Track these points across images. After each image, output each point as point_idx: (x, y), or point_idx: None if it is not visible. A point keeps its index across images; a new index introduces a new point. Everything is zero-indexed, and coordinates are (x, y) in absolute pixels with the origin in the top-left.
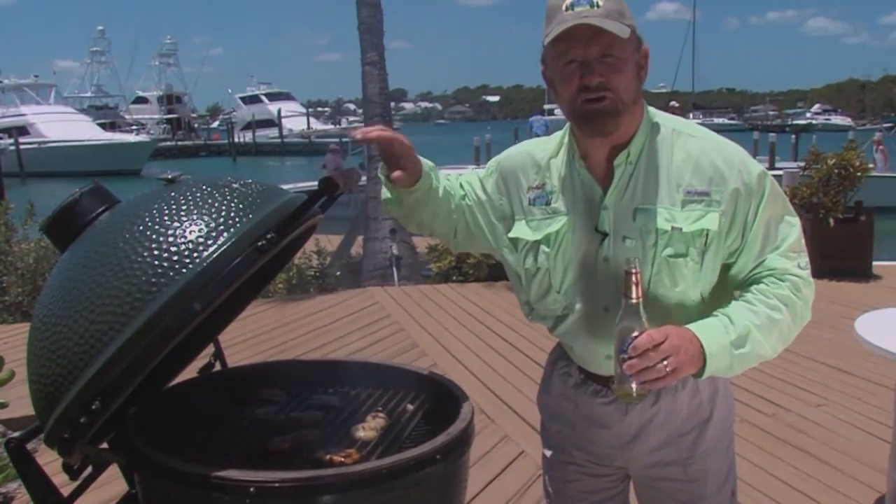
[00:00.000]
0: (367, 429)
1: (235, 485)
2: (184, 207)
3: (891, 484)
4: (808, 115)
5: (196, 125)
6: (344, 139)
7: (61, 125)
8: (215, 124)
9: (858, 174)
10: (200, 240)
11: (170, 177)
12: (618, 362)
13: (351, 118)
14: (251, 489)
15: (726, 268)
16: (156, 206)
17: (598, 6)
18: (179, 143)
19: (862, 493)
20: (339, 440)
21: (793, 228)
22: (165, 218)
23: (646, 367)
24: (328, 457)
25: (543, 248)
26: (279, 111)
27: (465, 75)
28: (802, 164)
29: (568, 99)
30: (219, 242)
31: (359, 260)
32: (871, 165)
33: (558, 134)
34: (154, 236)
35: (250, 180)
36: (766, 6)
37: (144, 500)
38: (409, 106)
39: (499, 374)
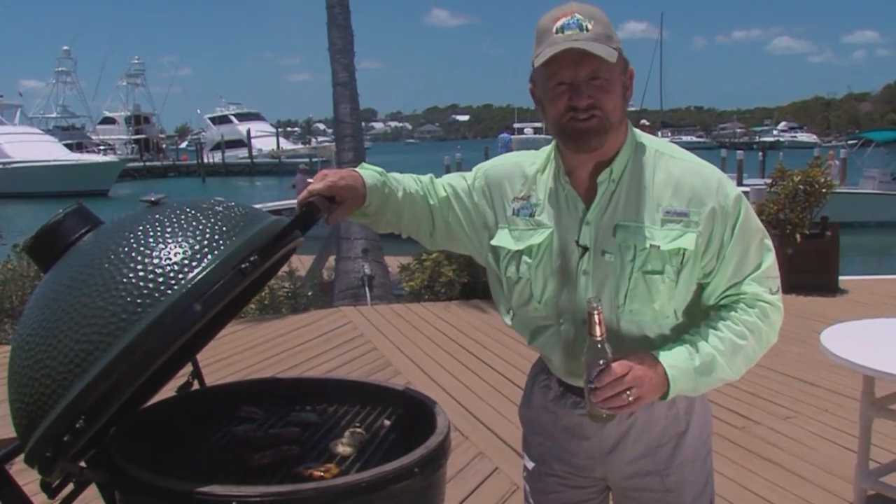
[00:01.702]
0: (346, 444)
1: (218, 500)
2: (168, 229)
3: (858, 493)
4: (775, 132)
5: (164, 146)
6: (314, 159)
7: (27, 146)
8: (184, 145)
9: (823, 190)
10: (185, 261)
11: (153, 199)
12: (586, 389)
13: (321, 138)
14: (233, 503)
15: (701, 287)
16: (140, 227)
17: (587, 30)
18: (147, 163)
19: (831, 502)
20: (319, 455)
21: (768, 253)
22: (150, 239)
23: (610, 396)
24: (308, 471)
25: (525, 258)
26: (248, 131)
27: (434, 95)
28: (769, 180)
29: (554, 117)
30: (203, 264)
31: (331, 280)
32: (836, 182)
33: (547, 149)
34: (139, 258)
35: (233, 203)
36: (731, 25)
37: None
38: (378, 125)
39: (472, 391)
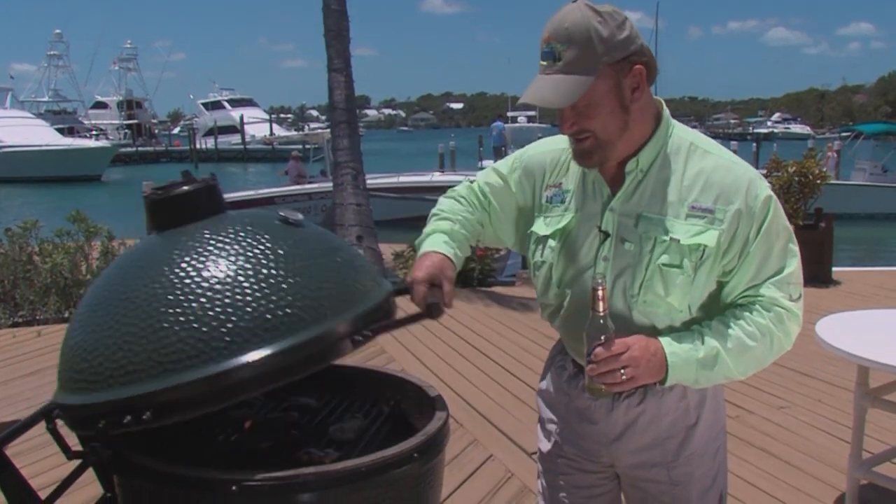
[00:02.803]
0: (345, 429)
1: (218, 484)
2: (304, 266)
3: (851, 483)
4: (769, 123)
5: (157, 131)
6: (306, 146)
7: (19, 129)
8: (176, 130)
9: (818, 182)
10: (310, 310)
11: (288, 217)
12: (585, 362)
13: (313, 125)
14: (233, 488)
15: (720, 285)
16: (280, 248)
17: (558, 60)
18: (140, 149)
19: (823, 492)
20: (318, 440)
21: (792, 259)
22: (283, 270)
23: (605, 372)
24: (308, 456)
25: (550, 242)
26: (242, 117)
27: (429, 82)
28: (764, 171)
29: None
30: (324, 323)
31: None
32: (830, 174)
33: None
34: (272, 280)
35: (361, 260)
36: (727, 16)
37: (124, 503)
38: (372, 113)
39: (466, 379)
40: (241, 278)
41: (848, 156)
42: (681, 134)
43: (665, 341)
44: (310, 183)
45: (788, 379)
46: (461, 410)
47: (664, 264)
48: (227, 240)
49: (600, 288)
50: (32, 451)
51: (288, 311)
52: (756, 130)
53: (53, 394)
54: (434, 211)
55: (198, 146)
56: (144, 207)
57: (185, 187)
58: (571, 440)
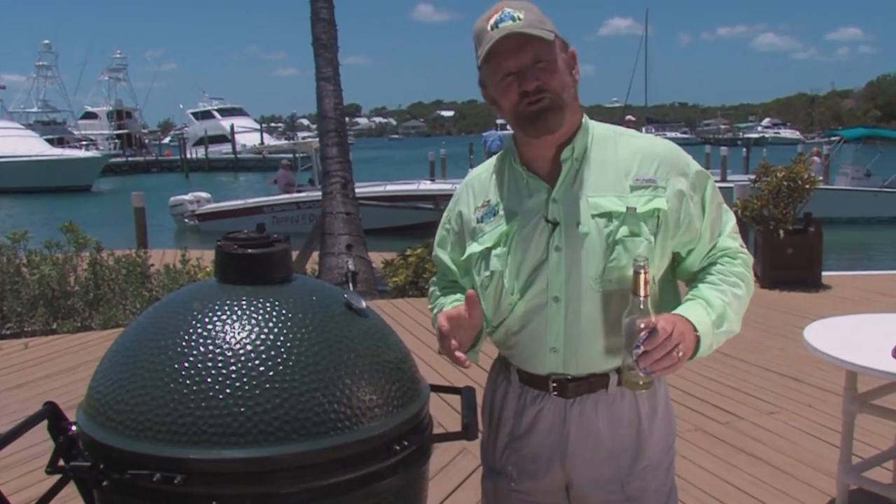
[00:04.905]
0: None
1: (197, 499)
2: (362, 364)
3: (841, 488)
4: (759, 128)
5: (147, 141)
6: (296, 154)
7: (8, 140)
8: (167, 140)
9: (807, 186)
10: (359, 411)
11: (352, 303)
12: (628, 354)
13: (303, 133)
14: (213, 503)
15: (682, 258)
16: (341, 342)
17: (519, 20)
18: (130, 159)
19: (814, 497)
20: None
21: (729, 213)
22: (345, 368)
23: (661, 357)
24: None
25: (494, 252)
26: (232, 127)
27: (419, 90)
28: (753, 176)
29: (510, 108)
30: (370, 427)
31: (315, 276)
32: (819, 178)
33: (499, 154)
34: (324, 380)
35: (409, 357)
36: (716, 22)
37: None
38: (363, 121)
39: (455, 386)
40: (300, 366)
41: (832, 160)
42: (603, 125)
43: (685, 313)
44: (298, 192)
45: (778, 384)
46: (450, 419)
47: (625, 236)
48: (293, 322)
49: (643, 271)
50: (16, 465)
51: (336, 407)
52: (746, 135)
53: (76, 412)
54: (432, 304)
55: (188, 156)
56: (215, 256)
57: (265, 248)
58: (522, 467)
